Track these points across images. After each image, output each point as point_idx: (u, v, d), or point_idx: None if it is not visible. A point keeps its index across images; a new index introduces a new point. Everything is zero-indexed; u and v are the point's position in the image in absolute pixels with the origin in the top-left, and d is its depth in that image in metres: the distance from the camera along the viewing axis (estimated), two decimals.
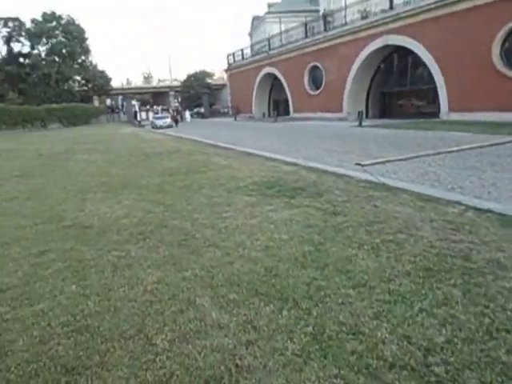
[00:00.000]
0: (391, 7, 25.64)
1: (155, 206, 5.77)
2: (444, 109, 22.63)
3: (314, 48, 32.89)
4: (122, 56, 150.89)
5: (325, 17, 33.35)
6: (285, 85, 38.41)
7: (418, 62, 25.09)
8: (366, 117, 26.53)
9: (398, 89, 28.88)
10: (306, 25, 35.07)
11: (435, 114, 23.42)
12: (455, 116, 21.34)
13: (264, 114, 44.42)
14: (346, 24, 29.73)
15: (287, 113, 38.35)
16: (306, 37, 34.35)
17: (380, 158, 9.80)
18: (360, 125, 22.90)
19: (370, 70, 29.18)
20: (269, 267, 3.40)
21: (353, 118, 28.23)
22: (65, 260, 3.81)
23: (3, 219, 5.55)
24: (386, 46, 26.32)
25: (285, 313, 2.70)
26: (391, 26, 25.08)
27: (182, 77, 75.78)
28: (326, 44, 31.42)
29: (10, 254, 4.08)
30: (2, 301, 3.05)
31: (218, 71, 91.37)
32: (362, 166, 9.07)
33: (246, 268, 3.41)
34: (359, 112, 25.08)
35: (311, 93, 34.60)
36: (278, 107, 42.20)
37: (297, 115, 35.93)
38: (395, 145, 13.17)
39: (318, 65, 32.87)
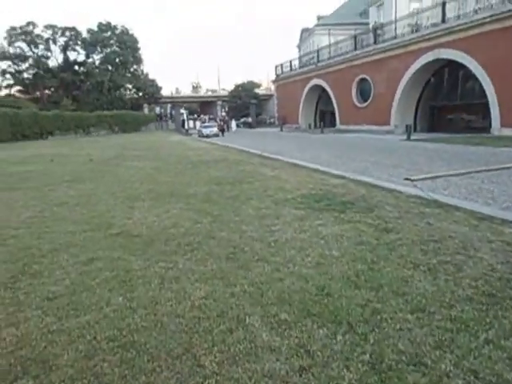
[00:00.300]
0: (443, 21, 24.95)
1: (203, 216, 5.72)
2: (495, 124, 21.65)
3: (364, 60, 32.46)
4: (172, 65, 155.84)
5: (375, 29, 32.88)
6: (332, 96, 38.08)
7: (470, 76, 24.21)
8: (414, 130, 25.74)
9: (447, 103, 27.93)
10: (355, 37, 34.71)
11: (485, 129, 22.52)
12: (507, 131, 20.34)
13: (310, 125, 44.19)
14: (396, 37, 29.21)
15: (333, 124, 37.98)
16: (356, 49, 33.97)
17: (430, 173, 9.40)
18: (408, 138, 22.24)
19: (420, 84, 28.44)
20: (320, 286, 3.22)
21: (400, 131, 27.51)
22: (112, 269, 3.79)
23: (53, 224, 5.68)
24: (437, 60, 25.59)
25: (339, 337, 2.51)
26: (443, 39, 24.37)
27: (230, 87, 76.99)
28: (376, 57, 30.93)
29: (58, 261, 4.11)
30: (49, 310, 3.03)
31: (265, 82, 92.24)
32: (412, 180, 8.69)
33: (297, 286, 3.24)
34: (407, 125, 24.37)
35: (358, 105, 34.09)
36: (325, 119, 41.89)
37: (343, 127, 35.48)
38: (445, 160, 12.60)
39: (367, 77, 32.38)
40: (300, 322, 2.68)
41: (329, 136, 29.49)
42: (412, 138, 22.25)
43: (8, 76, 59.78)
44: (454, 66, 25.09)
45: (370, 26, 41.47)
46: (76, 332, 2.71)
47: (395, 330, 2.57)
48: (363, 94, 33.79)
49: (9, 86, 60.87)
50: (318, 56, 40.86)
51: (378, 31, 33.04)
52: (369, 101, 32.51)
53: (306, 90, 43.06)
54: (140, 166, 12.68)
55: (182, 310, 2.92)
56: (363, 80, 33.18)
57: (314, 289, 3.16)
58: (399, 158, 13.71)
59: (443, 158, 13.25)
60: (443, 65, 26.44)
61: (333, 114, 38.96)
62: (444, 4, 25.56)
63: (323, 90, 40.47)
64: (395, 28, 30.01)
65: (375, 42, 31.47)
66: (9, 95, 57.83)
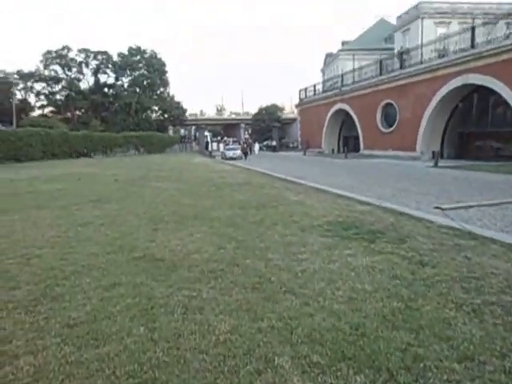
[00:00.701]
0: (473, 46, 24.71)
1: (227, 242, 5.57)
2: None
3: (389, 85, 32.35)
4: (197, 87, 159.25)
5: (401, 54, 32.84)
6: (356, 121, 37.95)
7: (500, 102, 23.71)
8: (441, 157, 25.26)
9: (476, 129, 27.40)
10: (380, 62, 34.76)
11: None
12: None
13: (333, 150, 44.06)
14: (422, 62, 29.07)
15: (357, 149, 37.73)
16: (381, 74, 33.94)
17: (461, 203, 9.08)
18: (436, 165, 21.80)
19: (447, 109, 28.03)
20: (354, 324, 2.99)
21: (426, 157, 27.07)
22: (134, 296, 3.66)
23: (77, 245, 5.63)
24: (466, 85, 25.22)
25: None
26: (472, 64, 24.05)
27: (253, 110, 77.94)
28: (402, 82, 30.78)
29: (80, 285, 4.01)
30: (68, 338, 2.90)
31: (288, 106, 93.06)
32: (443, 209, 8.38)
33: (329, 323, 3.02)
34: (434, 152, 23.94)
35: (383, 130, 33.84)
36: (348, 143, 41.74)
37: (367, 152, 35.17)
38: (476, 188, 12.22)
39: (392, 102, 32.19)
40: (334, 365, 2.47)
41: (353, 161, 29.24)
42: (439, 164, 21.80)
43: (42, 97, 62.63)
44: (483, 91, 24.65)
45: (395, 51, 41.62)
46: (95, 365, 2.56)
47: (442, 381, 2.32)
48: (388, 119, 33.56)
49: (42, 107, 63.66)
50: (342, 80, 41.03)
51: (404, 56, 33.03)
52: (394, 126, 32.23)
53: (330, 114, 43.10)
54: (164, 187, 12.71)
55: (206, 346, 2.74)
56: (388, 105, 33.01)
57: (348, 327, 2.94)
58: (427, 185, 13.38)
59: (474, 186, 12.85)
60: (472, 90, 26.04)
61: (356, 138, 38.77)
62: (473, 29, 25.38)
63: (347, 114, 40.44)
64: (421, 53, 29.93)
65: (401, 67, 31.39)
66: (42, 115, 60.22)
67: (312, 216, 7.43)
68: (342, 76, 41.46)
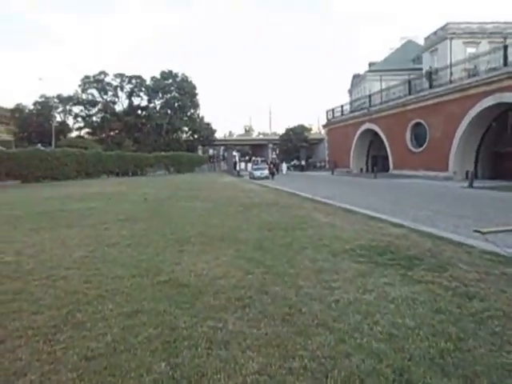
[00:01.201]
0: (505, 64, 24.07)
1: (254, 266, 5.33)
2: None
3: (418, 105, 31.85)
4: (226, 108, 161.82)
5: (430, 74, 32.32)
6: (385, 141, 37.40)
7: None
8: (475, 177, 24.37)
9: None
10: (409, 82, 34.33)
11: None
12: None
13: (362, 170, 43.45)
14: (451, 82, 28.54)
15: (386, 169, 37.03)
16: (410, 94, 33.43)
17: (502, 226, 8.50)
18: (471, 185, 21.01)
19: (481, 129, 27.24)
20: (398, 368, 2.67)
21: (459, 177, 26.23)
22: (157, 325, 3.45)
23: (103, 266, 5.51)
24: (499, 104, 24.46)
25: None
26: (505, 83, 23.38)
27: (280, 130, 78.36)
28: (431, 101, 30.25)
29: (102, 311, 3.84)
30: (85, 373, 2.70)
31: (315, 126, 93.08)
32: (483, 233, 7.85)
33: (369, 365, 2.71)
34: (468, 172, 23.12)
35: (413, 150, 33.16)
36: (377, 163, 41.05)
37: (396, 172, 34.45)
38: None
39: (422, 122, 31.60)
40: None
41: (382, 181, 28.62)
42: (474, 185, 21.00)
43: (79, 119, 66.09)
44: None
45: (424, 71, 41.12)
46: None
47: None
48: (418, 139, 32.90)
49: (79, 129, 67.17)
50: (370, 101, 40.71)
51: (433, 76, 32.52)
52: (424, 146, 31.52)
53: (358, 134, 42.68)
54: (192, 206, 12.63)
55: None
56: (418, 124, 32.41)
57: (390, 371, 2.61)
58: (463, 206, 12.80)
59: None
60: (506, 109, 25.26)
61: (385, 158, 38.13)
62: (506, 47, 24.79)
63: (375, 134, 39.94)
64: (451, 73, 29.47)
65: (431, 87, 30.85)
66: (79, 136, 63.09)
67: (343, 239, 7.11)
68: (370, 96, 41.16)
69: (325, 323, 3.43)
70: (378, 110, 37.86)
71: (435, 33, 42.43)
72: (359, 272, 5.00)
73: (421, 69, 44.98)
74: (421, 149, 31.88)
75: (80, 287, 4.61)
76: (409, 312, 3.65)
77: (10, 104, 68.91)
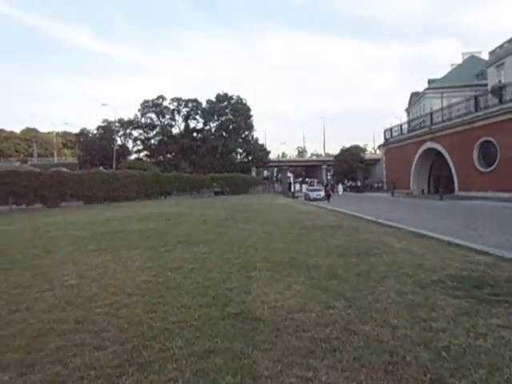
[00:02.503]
0: None
1: (334, 299, 4.71)
2: None
3: (487, 122, 29.86)
4: (279, 131, 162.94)
5: (500, 88, 30.30)
6: (449, 160, 35.38)
7: None
8: None
9: None
10: (476, 98, 32.39)
11: None
12: None
13: (423, 191, 41.34)
14: None
15: (450, 190, 34.71)
16: (477, 110, 31.50)
17: None
18: None
19: None
20: None
21: None
22: (235, 371, 2.93)
23: (167, 293, 5.13)
24: None
25: None
26: None
27: (332, 150, 77.44)
28: (502, 117, 28.22)
29: (171, 349, 3.39)
30: None
31: (370, 146, 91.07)
32: None
33: None
34: None
35: (481, 169, 31.00)
36: (439, 184, 38.82)
37: (463, 193, 32.29)
38: None
39: (491, 139, 29.51)
40: None
41: (449, 203, 26.79)
42: None
43: (138, 142, 68.88)
44: None
45: (489, 87, 38.86)
46: None
47: None
48: (486, 158, 30.75)
49: (138, 151, 69.99)
50: (431, 119, 38.90)
51: (501, 91, 30.53)
52: (494, 165, 29.35)
53: (419, 153, 40.81)
54: (252, 228, 12.20)
55: None
56: (486, 142, 30.33)
57: None
58: None
59: None
60: None
61: (449, 178, 35.95)
62: None
63: (437, 153, 37.96)
64: None
65: (501, 102, 28.85)
66: (137, 159, 65.58)
67: (427, 268, 6.30)
68: (432, 114, 39.37)
69: (441, 379, 2.76)
70: (441, 127, 36.01)
71: (501, 46, 40.17)
72: (461, 310, 4.24)
73: (485, 85, 42.69)
74: (490, 168, 29.74)
75: (144, 317, 4.23)
76: None
77: (75, 129, 73.62)
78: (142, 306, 4.64)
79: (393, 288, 5.16)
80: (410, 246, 8.51)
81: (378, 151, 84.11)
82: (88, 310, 4.54)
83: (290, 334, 3.64)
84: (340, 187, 50.44)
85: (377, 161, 66.48)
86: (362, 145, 78.10)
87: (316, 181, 63.06)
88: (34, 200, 28.45)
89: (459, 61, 56.69)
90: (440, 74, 56.46)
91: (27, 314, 4.52)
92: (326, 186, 40.25)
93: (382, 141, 52.86)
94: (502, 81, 36.18)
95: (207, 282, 5.69)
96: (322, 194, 35.80)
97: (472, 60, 53.45)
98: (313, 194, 36.05)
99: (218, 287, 5.38)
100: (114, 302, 4.81)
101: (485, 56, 49.38)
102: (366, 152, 79.43)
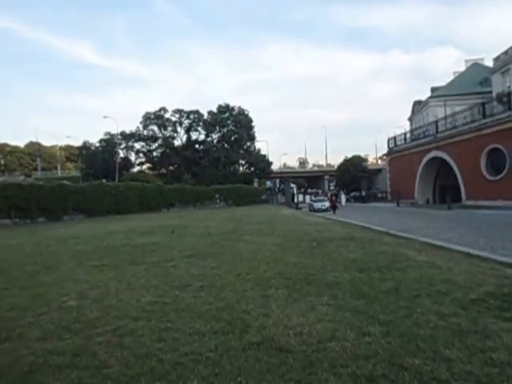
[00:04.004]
0: None
1: (367, 322, 4.14)
2: None
3: (495, 129, 29.40)
4: (281, 141, 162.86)
5: (509, 95, 29.85)
6: (455, 169, 34.84)
7: None
8: None
9: None
10: (483, 105, 31.98)
11: None
12: None
13: (428, 201, 40.76)
14: None
15: (456, 199, 34.02)
16: (484, 117, 31.06)
17: None
18: None
19: None
20: None
21: None
22: None
23: (176, 317, 4.56)
24: None
25: None
26: None
27: (333, 161, 77.25)
28: (510, 124, 27.72)
29: None
30: None
31: (371, 156, 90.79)
32: None
33: None
34: None
35: (489, 178, 30.44)
36: (445, 193, 38.22)
37: (470, 203, 31.68)
38: None
39: (500, 147, 29.02)
40: None
41: (458, 212, 26.19)
42: None
43: (141, 155, 68.77)
44: None
45: (494, 93, 38.52)
46: None
47: None
48: (495, 166, 30.19)
49: (141, 164, 69.83)
50: (436, 127, 38.46)
51: (504, 99, 30.16)
52: (503, 173, 28.81)
53: (423, 162, 40.31)
54: (260, 241, 11.62)
55: None
56: (494, 150, 29.82)
57: None
58: None
59: None
60: None
61: (455, 187, 35.32)
62: None
63: (442, 162, 37.45)
64: None
65: (510, 108, 28.40)
66: (140, 171, 65.20)
67: (460, 285, 5.72)
68: (437, 122, 38.95)
69: None
70: (447, 136, 35.55)
71: (506, 53, 39.89)
72: None
73: (489, 92, 42.40)
74: (499, 177, 29.19)
75: (152, 348, 3.66)
76: None
77: (78, 142, 73.52)
78: (148, 332, 4.07)
79: (431, 309, 4.59)
80: (432, 259, 7.94)
81: (379, 161, 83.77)
82: (88, 338, 3.97)
83: (326, 371, 3.07)
84: (343, 197, 49.79)
85: (379, 171, 66.09)
86: (363, 155, 77.83)
87: (320, 191, 62.53)
88: (36, 213, 27.88)
89: (462, 68, 56.56)
90: (442, 82, 56.37)
91: (18, 344, 3.95)
92: (332, 196, 39.28)
93: (383, 151, 52.61)
94: (509, 87, 35.87)
95: (220, 302, 5.12)
96: (327, 204, 35.12)
97: (475, 67, 53.31)
98: (317, 205, 35.38)
99: (232, 309, 4.82)
100: (118, 327, 4.25)
101: (488, 63, 49.25)
102: (368, 162, 79.16)
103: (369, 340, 3.69)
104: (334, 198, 36.28)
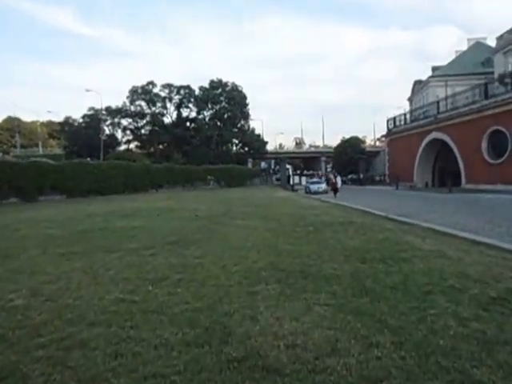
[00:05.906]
0: None
1: (374, 329, 3.37)
2: None
3: (497, 110, 28.51)
4: (276, 120, 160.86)
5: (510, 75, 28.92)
6: (456, 151, 34.06)
7: None
8: None
9: None
10: (486, 85, 31.00)
11: None
12: None
13: (427, 184, 40.06)
14: None
15: (455, 183, 33.33)
16: (486, 98, 30.13)
17: None
18: None
19: None
20: None
21: None
22: None
23: (143, 322, 3.75)
24: None
25: None
26: None
27: (330, 142, 76.05)
28: None
29: None
30: None
31: (369, 138, 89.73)
32: None
33: None
34: None
35: (490, 161, 29.74)
36: (444, 176, 37.54)
37: (470, 186, 31.02)
38: None
39: (502, 129, 28.20)
40: None
41: (459, 196, 25.47)
42: None
43: (128, 132, 64.58)
44: None
45: (496, 74, 37.48)
46: None
47: None
48: (496, 149, 29.43)
49: (128, 142, 65.90)
50: (438, 107, 37.51)
51: (506, 79, 29.25)
52: (505, 156, 28.07)
53: (423, 144, 39.49)
54: (251, 225, 10.83)
55: None
56: (496, 132, 29.01)
57: None
58: None
59: None
60: None
61: (454, 171, 34.61)
62: None
63: (443, 144, 36.64)
64: None
65: None
66: (127, 150, 62.37)
67: (475, 278, 4.97)
68: (438, 103, 37.95)
69: None
70: (448, 117, 34.63)
71: (510, 31, 38.67)
72: None
73: (491, 72, 41.31)
74: (500, 160, 28.45)
75: (105, 368, 2.86)
76: None
77: (60, 118, 68.43)
78: (103, 344, 3.25)
79: (447, 311, 3.83)
80: (438, 247, 7.19)
81: (378, 143, 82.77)
82: (24, 352, 3.14)
83: None
84: (339, 179, 48.78)
85: (377, 153, 65.13)
86: (360, 136, 76.72)
87: (317, 173, 61.52)
88: (8, 193, 26.52)
89: (464, 47, 55.20)
90: (444, 62, 55.06)
91: None
92: (330, 178, 37.37)
93: (382, 132, 51.63)
94: (510, 69, 34.89)
95: (198, 301, 4.32)
96: (324, 187, 34.29)
97: (477, 46, 51.97)
98: (313, 187, 34.53)
99: (212, 310, 4.02)
100: (67, 336, 3.43)
101: (491, 42, 47.97)
102: (366, 144, 78.20)
103: (378, 354, 2.91)
104: (334, 179, 33.40)
